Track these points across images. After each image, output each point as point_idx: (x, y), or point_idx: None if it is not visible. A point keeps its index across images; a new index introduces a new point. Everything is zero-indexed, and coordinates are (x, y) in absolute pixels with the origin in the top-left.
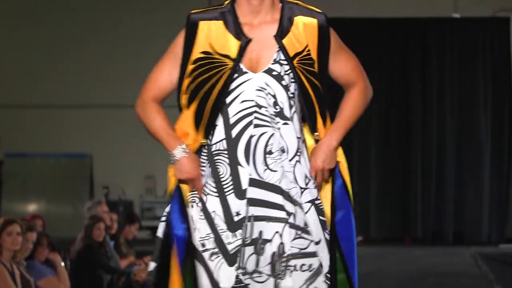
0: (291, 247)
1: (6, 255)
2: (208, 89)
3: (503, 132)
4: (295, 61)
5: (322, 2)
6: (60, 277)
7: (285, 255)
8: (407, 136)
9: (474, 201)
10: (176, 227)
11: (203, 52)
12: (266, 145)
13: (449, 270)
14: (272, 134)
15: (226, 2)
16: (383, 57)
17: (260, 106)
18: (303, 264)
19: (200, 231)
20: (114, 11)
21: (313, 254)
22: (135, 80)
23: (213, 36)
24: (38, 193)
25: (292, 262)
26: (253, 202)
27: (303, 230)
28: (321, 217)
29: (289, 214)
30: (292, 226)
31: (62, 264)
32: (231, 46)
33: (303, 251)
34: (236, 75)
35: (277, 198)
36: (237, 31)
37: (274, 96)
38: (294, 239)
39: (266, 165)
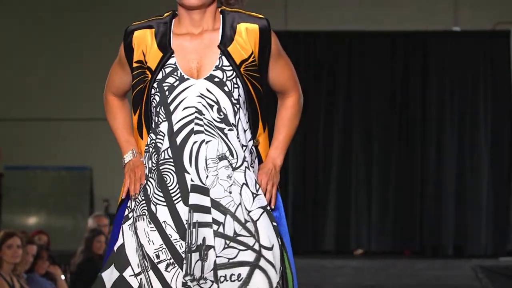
0: (219, 256)
1: (6, 268)
2: (140, 100)
3: (503, 146)
4: (242, 69)
5: (322, 16)
6: None
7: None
8: (407, 150)
9: (474, 213)
10: (114, 229)
11: (137, 62)
12: (208, 152)
13: (449, 283)
14: (211, 141)
15: (166, 14)
16: (384, 69)
17: (201, 113)
18: (232, 274)
19: (154, 243)
20: (113, 27)
21: (241, 264)
22: None
23: (142, 44)
24: (39, 206)
25: (221, 272)
26: (196, 208)
27: (233, 239)
28: (273, 223)
29: (217, 223)
30: (221, 235)
31: (63, 277)
32: (154, 57)
33: (231, 261)
34: (174, 83)
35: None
36: (163, 43)
37: (217, 103)
38: (224, 248)
39: (209, 171)
